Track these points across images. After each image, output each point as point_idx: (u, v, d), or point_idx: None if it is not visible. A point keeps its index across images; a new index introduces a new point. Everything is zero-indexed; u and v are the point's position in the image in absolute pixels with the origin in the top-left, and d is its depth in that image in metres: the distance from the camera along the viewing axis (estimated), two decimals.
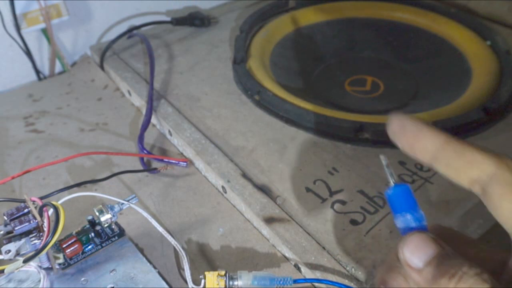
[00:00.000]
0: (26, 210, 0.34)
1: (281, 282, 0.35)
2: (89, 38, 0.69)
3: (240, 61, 0.58)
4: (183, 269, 0.37)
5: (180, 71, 0.60)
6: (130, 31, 0.66)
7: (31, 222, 0.33)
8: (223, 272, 0.35)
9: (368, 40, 0.67)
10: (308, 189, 0.44)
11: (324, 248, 0.39)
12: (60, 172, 0.49)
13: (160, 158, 0.49)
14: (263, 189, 0.44)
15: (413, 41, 0.66)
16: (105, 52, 0.63)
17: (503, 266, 0.26)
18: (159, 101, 0.55)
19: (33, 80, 0.66)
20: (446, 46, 0.63)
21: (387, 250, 0.38)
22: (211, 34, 0.68)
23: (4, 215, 0.34)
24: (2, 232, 0.34)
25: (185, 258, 0.36)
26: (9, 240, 0.33)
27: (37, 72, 0.66)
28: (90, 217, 0.39)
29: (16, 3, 0.59)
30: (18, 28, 0.60)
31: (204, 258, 0.40)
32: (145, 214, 0.38)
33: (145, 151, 0.50)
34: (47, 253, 0.36)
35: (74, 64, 0.68)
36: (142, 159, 0.49)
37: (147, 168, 0.49)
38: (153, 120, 0.55)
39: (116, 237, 0.39)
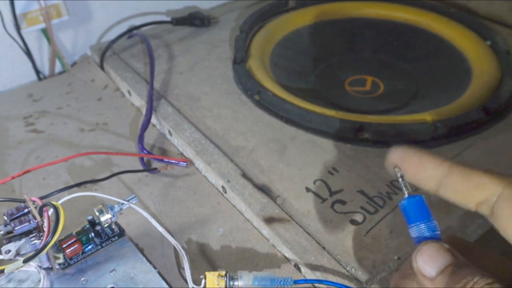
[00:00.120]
0: (26, 210, 0.34)
1: (281, 283, 0.35)
2: (89, 38, 0.69)
3: (240, 61, 0.58)
4: (183, 269, 0.37)
5: (180, 71, 0.60)
6: (130, 31, 0.66)
7: (31, 222, 0.33)
8: (223, 272, 0.35)
9: (368, 40, 0.67)
10: (308, 189, 0.44)
11: (324, 248, 0.39)
12: (60, 172, 0.49)
13: (160, 158, 0.49)
14: (263, 189, 0.44)
15: (413, 41, 0.66)
16: (105, 52, 0.63)
17: None
18: (159, 101, 0.55)
19: (33, 80, 0.66)
20: (446, 46, 0.63)
21: (387, 250, 0.38)
22: (211, 34, 0.68)
23: (4, 215, 0.34)
24: (2, 232, 0.34)
25: (185, 258, 0.36)
26: (9, 240, 0.33)
27: (37, 72, 0.66)
28: (90, 217, 0.39)
29: (16, 3, 0.59)
30: (18, 28, 0.60)
31: (204, 258, 0.40)
32: (145, 214, 0.38)
33: (145, 151, 0.50)
34: (47, 253, 0.36)
35: (74, 64, 0.68)
36: (142, 159, 0.49)
37: (147, 168, 0.49)
38: (153, 120, 0.55)
39: (116, 237, 0.39)
